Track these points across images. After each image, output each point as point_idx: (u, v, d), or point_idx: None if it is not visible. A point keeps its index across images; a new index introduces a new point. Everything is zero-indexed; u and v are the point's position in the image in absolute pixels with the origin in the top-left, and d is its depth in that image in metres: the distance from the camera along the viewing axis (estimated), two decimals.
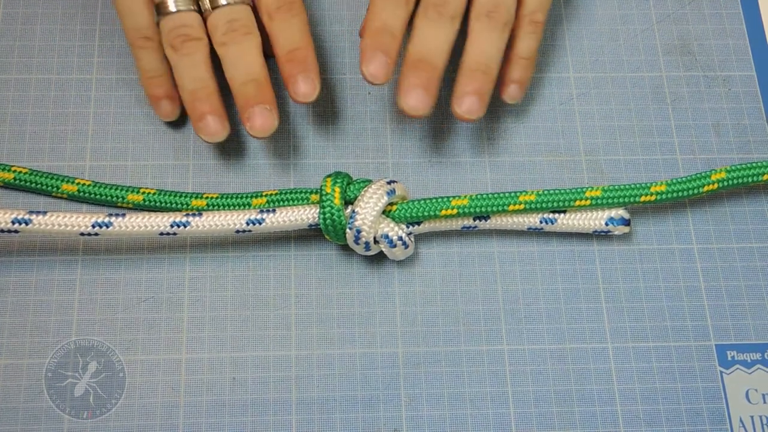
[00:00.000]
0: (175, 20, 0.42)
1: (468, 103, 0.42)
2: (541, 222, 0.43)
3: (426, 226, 0.43)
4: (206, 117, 0.42)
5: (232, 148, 0.46)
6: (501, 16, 0.42)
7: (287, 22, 0.42)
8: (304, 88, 0.42)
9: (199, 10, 0.43)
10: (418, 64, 0.41)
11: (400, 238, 0.41)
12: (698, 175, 0.43)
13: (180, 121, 0.46)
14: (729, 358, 0.43)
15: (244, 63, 0.42)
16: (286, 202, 0.42)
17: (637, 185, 0.43)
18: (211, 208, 0.43)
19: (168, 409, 0.41)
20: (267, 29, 0.43)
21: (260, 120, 0.41)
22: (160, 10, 0.42)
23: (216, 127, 0.42)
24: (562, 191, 0.43)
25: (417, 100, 0.41)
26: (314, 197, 0.42)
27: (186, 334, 0.42)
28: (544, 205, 0.42)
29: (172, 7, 0.42)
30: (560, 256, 0.44)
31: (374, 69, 0.41)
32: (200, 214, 0.41)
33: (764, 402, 0.42)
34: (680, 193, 0.43)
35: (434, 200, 0.42)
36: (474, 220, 0.43)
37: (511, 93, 0.45)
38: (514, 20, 0.44)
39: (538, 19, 0.44)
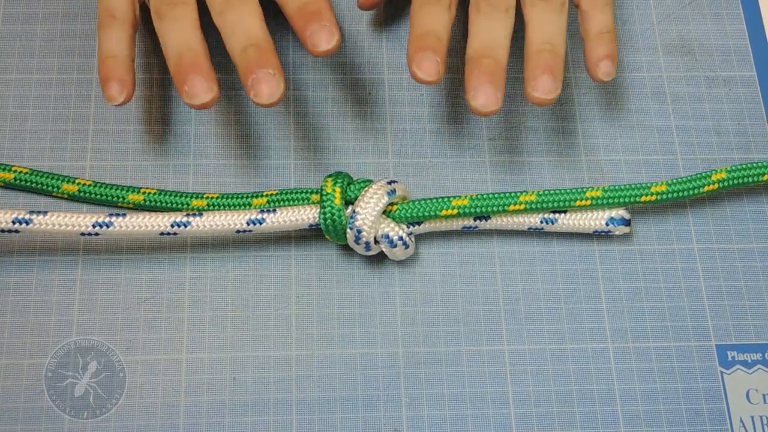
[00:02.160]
0: None
1: (543, 83, 0.40)
2: (541, 222, 0.43)
3: (426, 226, 0.43)
4: (190, 78, 0.39)
5: (232, 148, 0.46)
6: None
7: None
8: (318, 38, 0.39)
9: None
10: (481, 61, 0.40)
11: (401, 238, 0.41)
12: (698, 175, 0.43)
13: (180, 121, 0.46)
14: (729, 359, 0.43)
15: (242, 28, 0.39)
16: (286, 202, 0.42)
17: (638, 185, 0.43)
18: (211, 208, 0.43)
19: (168, 409, 0.41)
20: None
21: (266, 86, 0.38)
22: None
23: (201, 87, 0.39)
24: (563, 191, 0.43)
25: (487, 97, 0.39)
26: (315, 197, 0.42)
27: (186, 334, 0.42)
28: (544, 205, 0.42)
29: None
30: (560, 256, 0.44)
31: (427, 67, 0.39)
32: (201, 214, 0.41)
33: (765, 402, 0.42)
34: (680, 193, 0.43)
35: (434, 200, 0.42)
36: (474, 220, 0.43)
37: (604, 69, 0.42)
38: (582, 1, 0.43)
39: None
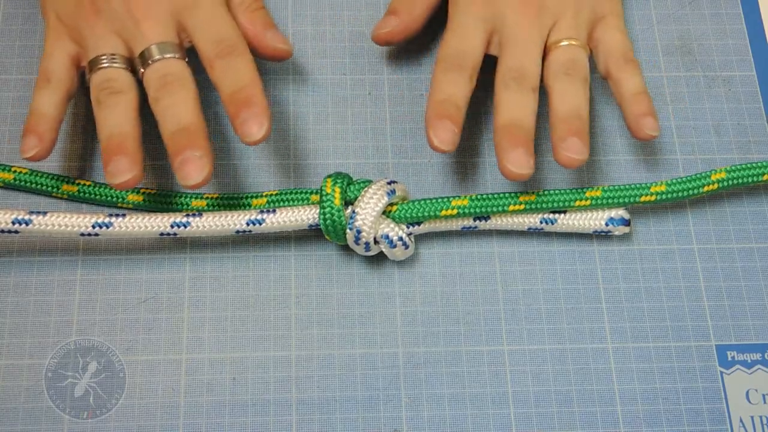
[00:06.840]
0: (102, 75, 0.41)
1: (574, 144, 0.40)
2: (541, 222, 0.43)
3: (426, 227, 0.43)
4: (114, 158, 0.38)
5: (232, 148, 0.46)
6: (579, 73, 0.42)
7: (228, 65, 0.40)
8: (249, 127, 0.39)
9: (134, 71, 0.41)
10: (510, 129, 0.40)
11: (401, 239, 0.42)
12: (698, 175, 0.43)
13: None
14: (729, 359, 0.43)
15: (174, 113, 0.39)
16: (286, 203, 0.42)
17: (637, 185, 0.43)
18: (211, 208, 0.43)
19: (168, 410, 0.41)
20: (211, 80, 0.41)
21: (192, 167, 0.38)
22: (92, 66, 0.41)
23: (123, 167, 0.38)
24: (562, 191, 0.43)
25: (519, 159, 0.39)
26: (314, 197, 0.42)
27: (186, 335, 0.42)
28: (544, 205, 0.42)
29: (104, 64, 0.41)
30: (560, 256, 0.44)
31: (442, 135, 0.40)
32: (200, 215, 0.41)
33: (764, 402, 0.42)
34: (680, 193, 0.43)
35: (434, 200, 0.42)
36: (474, 220, 0.43)
37: (649, 125, 0.42)
38: (611, 70, 0.43)
39: (631, 57, 0.43)
